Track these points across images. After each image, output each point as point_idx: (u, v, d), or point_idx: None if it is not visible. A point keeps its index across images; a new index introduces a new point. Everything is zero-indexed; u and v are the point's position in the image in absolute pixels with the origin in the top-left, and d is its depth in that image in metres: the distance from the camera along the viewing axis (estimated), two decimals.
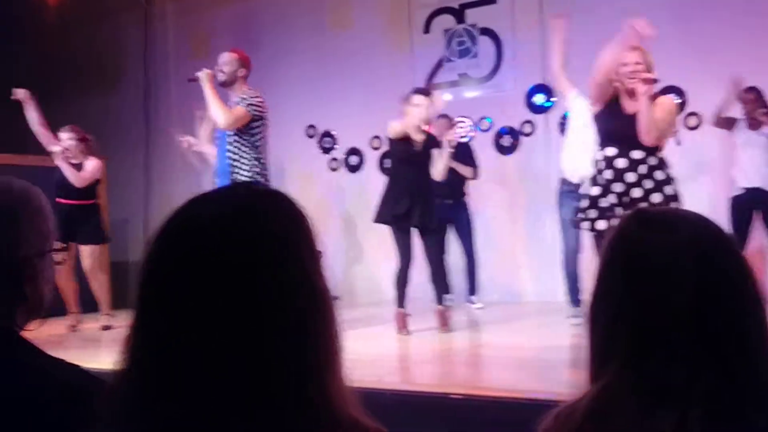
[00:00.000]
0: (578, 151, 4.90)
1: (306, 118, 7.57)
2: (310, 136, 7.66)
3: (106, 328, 5.77)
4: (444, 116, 6.17)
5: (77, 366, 1.14)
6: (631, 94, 3.80)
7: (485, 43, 6.94)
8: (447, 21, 7.11)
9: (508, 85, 6.85)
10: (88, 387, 1.06)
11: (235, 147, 4.74)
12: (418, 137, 5.01)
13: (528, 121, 6.73)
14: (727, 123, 5.49)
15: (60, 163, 5.64)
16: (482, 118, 6.90)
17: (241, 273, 0.78)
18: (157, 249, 0.82)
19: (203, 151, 5.74)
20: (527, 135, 6.73)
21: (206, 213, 0.83)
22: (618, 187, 3.73)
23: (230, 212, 0.82)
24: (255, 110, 4.78)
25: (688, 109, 5.96)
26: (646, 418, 0.87)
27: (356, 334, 4.54)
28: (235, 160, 4.73)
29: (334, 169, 7.60)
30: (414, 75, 7.10)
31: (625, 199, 3.71)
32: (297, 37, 7.53)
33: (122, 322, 5.58)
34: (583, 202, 3.91)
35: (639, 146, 3.74)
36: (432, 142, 5.12)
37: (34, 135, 5.75)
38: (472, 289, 6.25)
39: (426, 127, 5.07)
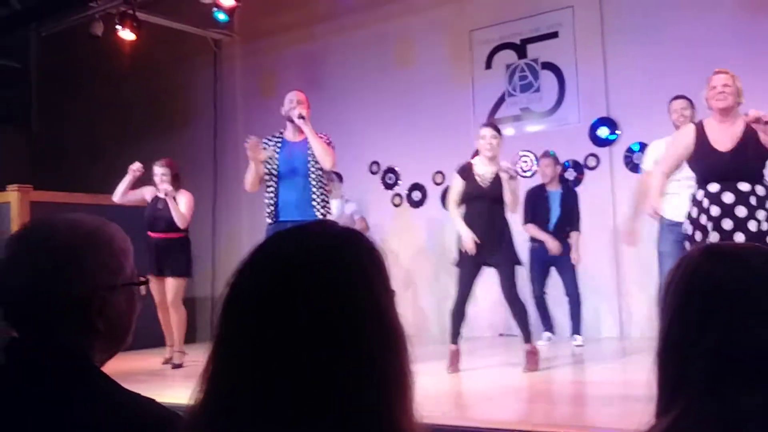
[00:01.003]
0: (672, 192, 4.70)
1: (369, 154, 7.66)
2: (374, 173, 7.74)
3: (177, 366, 5.60)
4: (546, 154, 6.12)
5: (152, 400, 1.15)
6: (720, 115, 3.71)
7: (547, 77, 6.92)
8: (509, 56, 7.12)
9: (572, 118, 6.80)
10: (163, 420, 1.08)
11: (319, 182, 4.81)
12: (485, 171, 4.85)
13: (592, 155, 6.65)
14: None
15: (170, 202, 5.60)
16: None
17: (319, 309, 0.80)
18: (239, 281, 0.85)
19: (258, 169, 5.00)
20: (592, 168, 6.65)
21: (288, 249, 0.86)
22: (727, 224, 3.59)
23: (311, 250, 0.85)
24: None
25: None
26: None
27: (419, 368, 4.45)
28: (316, 193, 4.79)
29: (397, 205, 7.64)
30: (475, 110, 7.12)
31: (737, 233, 3.56)
32: (361, 75, 7.66)
33: (192, 357, 5.55)
34: (687, 243, 3.78)
35: (743, 178, 3.63)
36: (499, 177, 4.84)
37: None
38: (576, 329, 5.88)
39: (491, 160, 4.85)
